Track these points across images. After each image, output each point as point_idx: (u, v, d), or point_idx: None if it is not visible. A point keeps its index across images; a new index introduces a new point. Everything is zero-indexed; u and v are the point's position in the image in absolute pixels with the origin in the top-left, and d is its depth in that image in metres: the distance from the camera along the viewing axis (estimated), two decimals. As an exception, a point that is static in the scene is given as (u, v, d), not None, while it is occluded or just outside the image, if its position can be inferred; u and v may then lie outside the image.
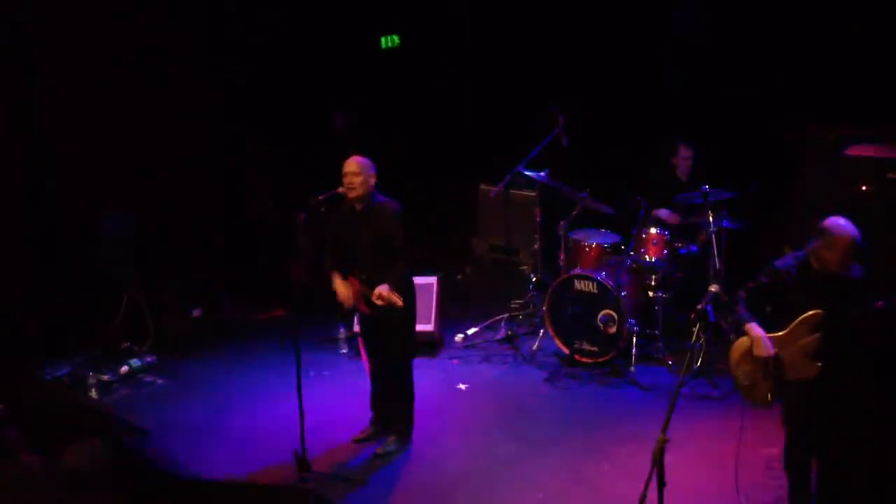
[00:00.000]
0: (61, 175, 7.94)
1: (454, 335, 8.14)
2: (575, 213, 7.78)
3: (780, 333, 4.98)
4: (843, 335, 4.87)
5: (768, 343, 4.94)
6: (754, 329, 4.98)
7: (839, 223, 4.86)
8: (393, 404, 6.31)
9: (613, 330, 7.30)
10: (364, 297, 5.99)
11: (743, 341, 5.09)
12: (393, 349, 6.16)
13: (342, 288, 6.08)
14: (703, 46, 8.63)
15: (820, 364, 4.88)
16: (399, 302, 5.79)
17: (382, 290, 5.80)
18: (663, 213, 7.86)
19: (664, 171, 7.99)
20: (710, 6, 8.55)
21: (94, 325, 7.84)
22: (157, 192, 8.37)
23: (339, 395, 7.08)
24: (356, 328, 7.54)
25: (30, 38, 7.74)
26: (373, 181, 5.97)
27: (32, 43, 7.75)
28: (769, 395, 5.03)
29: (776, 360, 4.94)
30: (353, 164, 5.92)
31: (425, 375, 7.29)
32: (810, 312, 4.89)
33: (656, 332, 7.50)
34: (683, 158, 7.90)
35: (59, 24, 7.84)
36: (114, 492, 4.22)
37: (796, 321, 4.94)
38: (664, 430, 4.12)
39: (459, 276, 9.60)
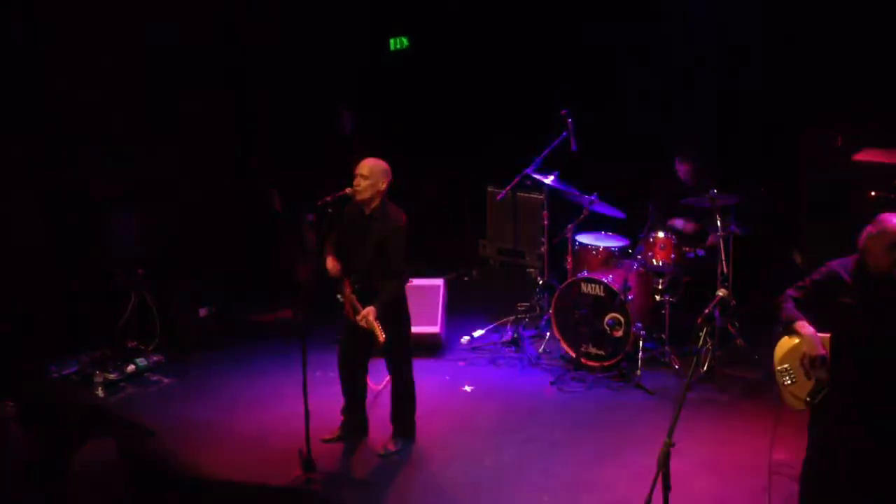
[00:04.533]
0: (71, 174, 7.96)
1: (460, 337, 8.13)
2: (583, 216, 7.77)
3: (830, 335, 4.85)
4: (889, 347, 4.70)
5: (819, 342, 4.81)
6: (805, 327, 4.84)
7: (890, 215, 4.73)
8: (395, 405, 6.31)
9: (620, 333, 7.29)
10: (352, 305, 5.96)
11: (787, 340, 4.97)
12: (392, 351, 6.12)
13: (333, 263, 6.06)
14: (711, 49, 8.62)
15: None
16: (381, 337, 5.67)
17: (369, 314, 5.70)
18: (678, 222, 7.80)
19: (669, 175, 7.97)
20: (718, 8, 8.54)
21: (101, 323, 7.86)
22: (166, 191, 8.38)
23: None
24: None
25: (46, 38, 7.79)
26: (383, 186, 5.91)
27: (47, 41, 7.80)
28: (808, 398, 4.89)
29: (823, 361, 4.81)
30: (365, 167, 5.89)
31: (431, 377, 7.30)
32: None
33: (663, 335, 7.49)
34: (682, 172, 7.84)
35: (73, 22, 7.88)
36: (124, 491, 4.23)
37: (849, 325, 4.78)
38: (670, 434, 4.10)
39: (466, 278, 9.60)
